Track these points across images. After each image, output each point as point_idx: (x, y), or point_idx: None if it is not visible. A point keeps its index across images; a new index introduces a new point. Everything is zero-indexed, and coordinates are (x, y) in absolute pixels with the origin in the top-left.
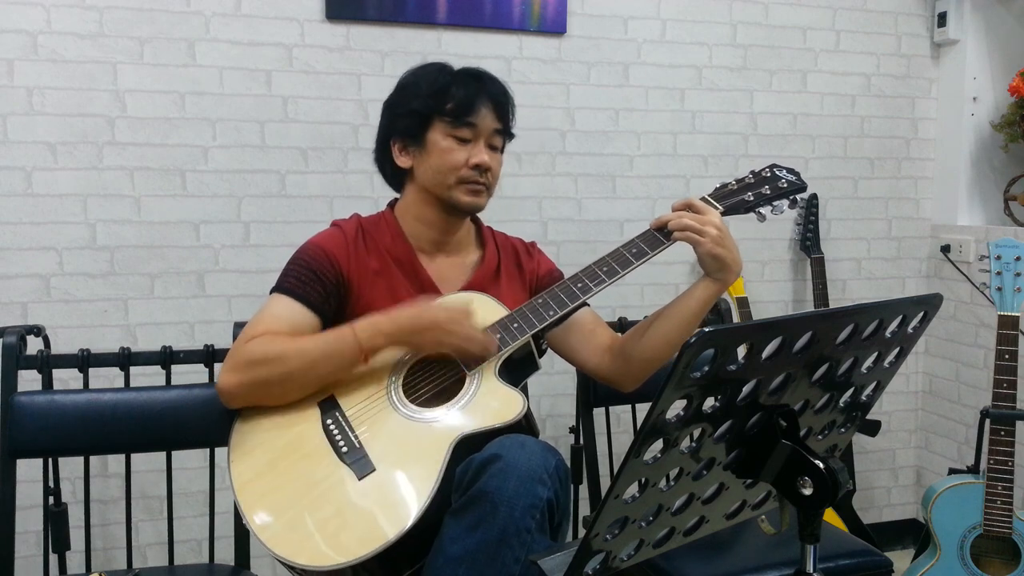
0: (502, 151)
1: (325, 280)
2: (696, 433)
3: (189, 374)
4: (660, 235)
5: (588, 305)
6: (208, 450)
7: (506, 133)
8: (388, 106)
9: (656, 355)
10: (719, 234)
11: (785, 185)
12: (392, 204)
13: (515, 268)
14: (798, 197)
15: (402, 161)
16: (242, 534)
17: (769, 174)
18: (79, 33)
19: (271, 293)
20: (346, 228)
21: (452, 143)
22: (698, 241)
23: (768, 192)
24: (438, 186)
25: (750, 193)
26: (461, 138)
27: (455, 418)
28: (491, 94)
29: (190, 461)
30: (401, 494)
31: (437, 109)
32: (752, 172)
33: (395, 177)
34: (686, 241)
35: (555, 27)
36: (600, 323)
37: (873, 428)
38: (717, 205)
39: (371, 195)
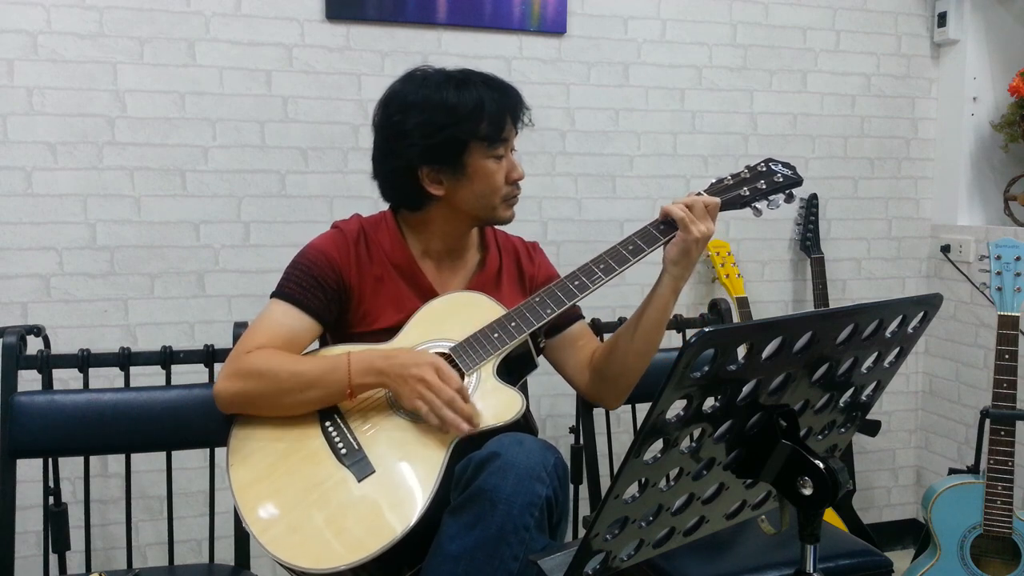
0: None
1: (326, 286)
2: (696, 433)
3: (189, 374)
4: (656, 231)
5: (582, 318)
6: (208, 450)
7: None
8: (404, 132)
9: (636, 368)
10: (706, 234)
11: (780, 179)
12: (394, 207)
13: (515, 270)
14: (794, 191)
15: (435, 189)
16: (242, 534)
17: (764, 169)
18: (79, 33)
19: (272, 297)
20: (347, 231)
21: (493, 164)
22: (687, 227)
23: (764, 187)
24: (483, 208)
25: (746, 188)
26: (498, 156)
27: None
28: (514, 105)
29: (190, 461)
30: (401, 495)
31: (473, 134)
32: (748, 167)
33: (418, 200)
34: (675, 222)
35: (555, 27)
36: (589, 338)
37: (873, 428)
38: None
39: (371, 195)
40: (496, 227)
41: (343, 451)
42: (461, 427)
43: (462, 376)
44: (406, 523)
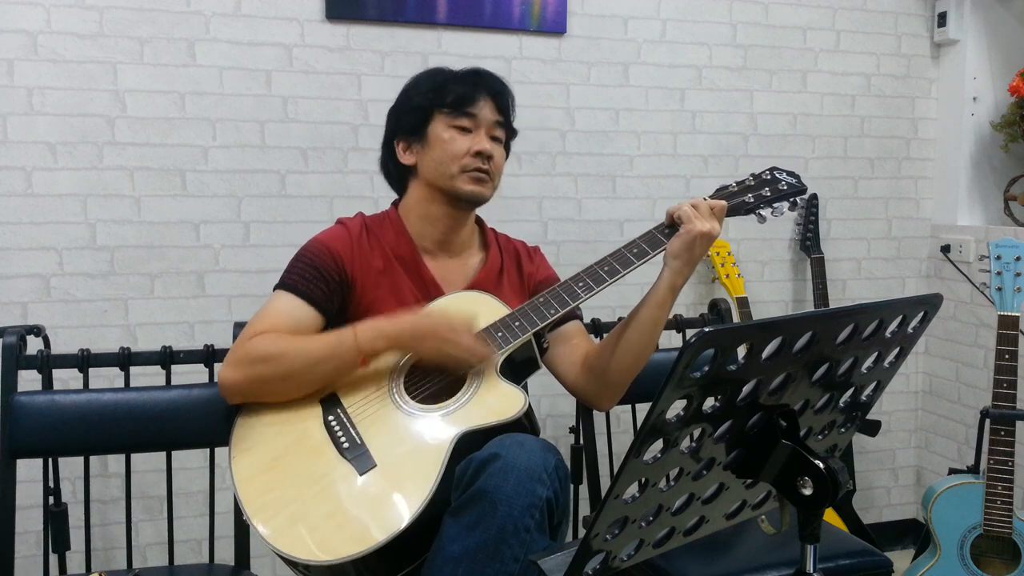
0: (506, 146)
1: (329, 278)
2: (696, 433)
3: (189, 374)
4: (661, 235)
5: (579, 318)
6: (208, 450)
7: (507, 126)
8: (392, 111)
9: (630, 368)
10: (711, 232)
11: (785, 188)
12: (396, 203)
13: (515, 271)
14: (798, 199)
15: (406, 159)
16: (242, 534)
17: (769, 176)
18: (79, 33)
19: (275, 289)
20: (351, 226)
21: (454, 133)
22: (692, 221)
23: (768, 194)
24: (441, 177)
25: (750, 195)
26: (462, 127)
27: (456, 415)
28: (489, 87)
29: (190, 461)
30: (402, 491)
31: (437, 102)
32: (752, 175)
33: (399, 177)
34: (681, 217)
35: (555, 27)
36: (583, 337)
37: (873, 428)
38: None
39: (371, 195)
40: (496, 231)
41: (345, 445)
42: (486, 361)
43: (464, 377)
44: (405, 519)
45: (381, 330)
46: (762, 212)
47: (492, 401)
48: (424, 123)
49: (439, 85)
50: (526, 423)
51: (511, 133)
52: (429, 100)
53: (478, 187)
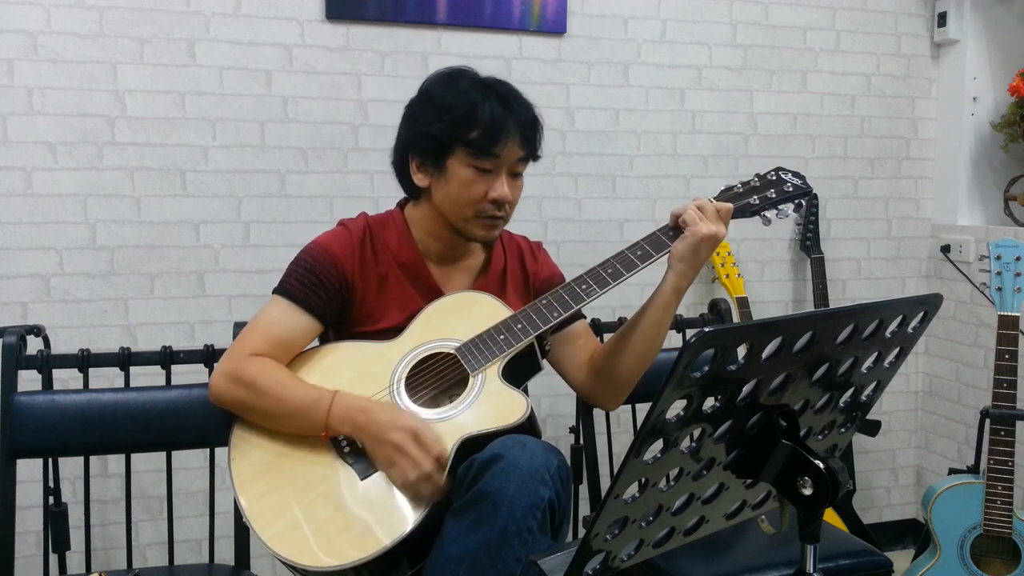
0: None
1: (328, 285)
2: (696, 433)
3: (189, 374)
4: (665, 237)
5: (584, 317)
6: (208, 450)
7: (531, 158)
8: (410, 115)
9: (635, 369)
10: (716, 234)
11: (790, 189)
12: (403, 203)
13: (519, 269)
14: (802, 200)
15: (419, 179)
16: (242, 534)
17: (774, 177)
18: (79, 33)
19: (273, 294)
20: (353, 229)
21: (472, 174)
22: (697, 223)
23: (773, 196)
24: (453, 216)
25: (755, 196)
26: (482, 169)
27: (458, 420)
28: (519, 122)
29: (190, 461)
30: (403, 496)
31: (459, 137)
32: (757, 175)
33: (410, 188)
34: (686, 220)
35: (555, 27)
36: (588, 337)
37: (873, 428)
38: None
39: (371, 195)
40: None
41: (346, 449)
42: (428, 501)
43: (466, 381)
44: (407, 523)
45: (353, 417)
46: (767, 214)
47: (494, 406)
48: (442, 153)
49: (465, 116)
50: (528, 427)
51: (535, 159)
52: (451, 134)
53: (490, 232)
